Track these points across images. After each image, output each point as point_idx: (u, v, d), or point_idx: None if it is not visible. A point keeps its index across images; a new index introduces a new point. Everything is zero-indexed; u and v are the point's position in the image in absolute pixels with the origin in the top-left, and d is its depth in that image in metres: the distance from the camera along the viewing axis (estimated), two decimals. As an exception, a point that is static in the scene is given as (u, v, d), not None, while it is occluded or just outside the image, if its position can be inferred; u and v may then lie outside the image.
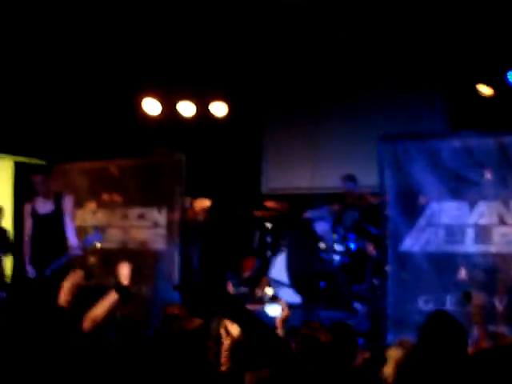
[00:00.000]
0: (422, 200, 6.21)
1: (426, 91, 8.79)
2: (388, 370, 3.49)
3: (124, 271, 3.89)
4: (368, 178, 7.51)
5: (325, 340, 3.38)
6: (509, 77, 7.56)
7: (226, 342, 3.91)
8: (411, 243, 6.19)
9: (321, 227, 7.38)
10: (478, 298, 3.64)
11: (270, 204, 8.56)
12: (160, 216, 7.67)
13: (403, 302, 6.20)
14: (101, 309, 3.69)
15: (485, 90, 7.84)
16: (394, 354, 3.44)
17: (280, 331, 3.94)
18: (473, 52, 7.67)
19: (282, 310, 4.26)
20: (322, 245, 7.44)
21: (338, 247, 7.46)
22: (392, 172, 6.25)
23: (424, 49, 7.89)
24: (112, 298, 3.76)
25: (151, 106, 8.83)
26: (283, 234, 7.98)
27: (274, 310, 3.88)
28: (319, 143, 9.22)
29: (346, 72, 8.59)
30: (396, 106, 8.82)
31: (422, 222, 6.16)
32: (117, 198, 8.00)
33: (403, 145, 6.18)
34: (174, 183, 7.44)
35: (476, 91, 7.85)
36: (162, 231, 7.66)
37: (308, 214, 7.53)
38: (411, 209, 6.22)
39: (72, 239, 6.43)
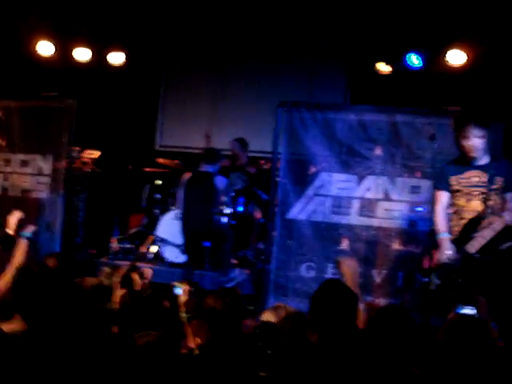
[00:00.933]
0: (312, 170, 6.28)
1: (330, 64, 8.88)
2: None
3: (11, 220, 3.71)
4: (263, 144, 7.52)
5: (213, 305, 3.31)
6: (407, 58, 7.75)
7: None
8: (298, 211, 6.26)
9: (221, 182, 7.28)
10: (349, 265, 3.69)
11: (161, 161, 8.40)
12: (45, 164, 7.31)
13: (286, 268, 6.28)
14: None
15: (383, 67, 8.01)
16: (267, 318, 3.44)
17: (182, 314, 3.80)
18: (377, 31, 7.81)
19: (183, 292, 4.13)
20: (223, 198, 7.35)
21: (226, 209, 7.41)
22: (286, 139, 6.26)
23: (331, 21, 7.95)
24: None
25: (45, 48, 8.38)
26: (173, 192, 7.84)
27: (178, 290, 3.74)
28: (218, 104, 9.14)
29: (250, 35, 8.51)
30: (299, 75, 8.86)
31: (310, 191, 6.23)
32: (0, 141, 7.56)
33: (299, 113, 6.19)
34: (63, 130, 7.08)
35: (375, 69, 8.01)
36: (46, 180, 7.32)
37: (207, 168, 7.39)
38: (301, 177, 6.27)
39: None
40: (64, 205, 7.20)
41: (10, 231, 3.67)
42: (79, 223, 7.73)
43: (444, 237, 4.63)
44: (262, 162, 7.78)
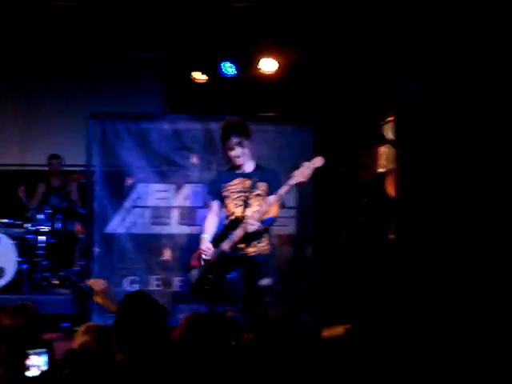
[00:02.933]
0: (128, 181, 6.18)
1: (146, 74, 8.79)
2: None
3: None
4: (78, 157, 7.27)
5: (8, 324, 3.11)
6: (222, 66, 7.88)
7: None
8: (117, 224, 6.14)
9: None
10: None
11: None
12: None
13: (109, 284, 6.11)
14: None
15: (199, 76, 8.08)
16: (78, 340, 3.30)
17: None
18: (192, 40, 7.85)
19: None
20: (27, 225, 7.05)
21: (44, 228, 7.10)
22: (100, 151, 6.11)
23: (146, 30, 7.88)
24: None
25: None
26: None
27: None
28: (28, 118, 8.70)
29: (63, 44, 8.19)
30: (114, 85, 8.69)
31: (128, 203, 6.14)
32: None
33: (113, 124, 6.07)
34: None
35: (192, 77, 8.06)
36: None
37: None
38: (118, 190, 6.16)
39: None
40: None
41: None
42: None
43: (204, 236, 4.89)
44: (76, 175, 7.53)
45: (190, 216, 6.11)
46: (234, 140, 4.75)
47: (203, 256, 4.81)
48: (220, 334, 2.69)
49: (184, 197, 6.12)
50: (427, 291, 5.01)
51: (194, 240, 6.03)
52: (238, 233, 4.69)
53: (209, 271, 4.79)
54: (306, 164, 4.59)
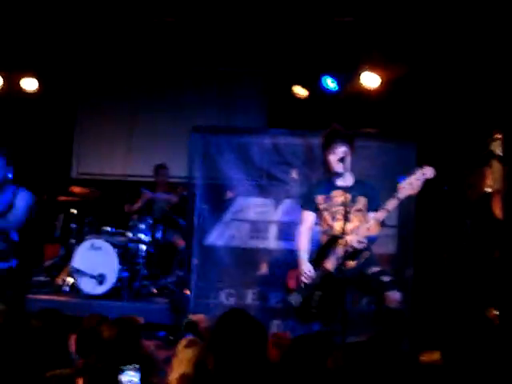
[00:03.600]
0: (229, 194, 6.21)
1: (247, 88, 8.86)
2: (180, 370, 3.34)
3: None
4: (180, 170, 7.40)
5: (108, 336, 3.15)
6: (323, 81, 7.82)
7: None
8: (216, 237, 6.18)
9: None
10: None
11: (76, 189, 8.13)
12: None
13: (205, 295, 6.17)
14: None
15: (300, 91, 8.06)
16: (184, 355, 3.30)
17: None
18: (293, 54, 7.86)
19: None
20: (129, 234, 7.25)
21: (145, 237, 7.26)
22: (202, 164, 6.19)
23: (247, 45, 7.95)
24: None
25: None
26: (89, 222, 7.62)
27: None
28: (134, 130, 8.96)
29: (167, 60, 8.41)
30: (216, 99, 8.81)
31: (227, 216, 6.17)
32: None
33: (214, 138, 6.14)
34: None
35: (292, 92, 8.05)
36: None
37: None
38: (218, 203, 6.21)
39: None
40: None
41: None
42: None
43: (302, 256, 4.71)
44: (179, 188, 7.66)
45: (289, 231, 6.05)
46: (339, 145, 4.62)
47: (303, 279, 4.65)
48: (325, 357, 2.59)
49: (283, 212, 6.09)
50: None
51: (292, 256, 6.02)
52: (340, 250, 4.48)
53: (313, 293, 4.60)
54: (416, 175, 4.33)
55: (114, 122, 9.10)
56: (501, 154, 6.01)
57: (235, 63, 8.44)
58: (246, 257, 6.12)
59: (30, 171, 8.63)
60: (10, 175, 5.28)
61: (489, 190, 6.26)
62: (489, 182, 6.32)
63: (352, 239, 4.43)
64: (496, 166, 6.19)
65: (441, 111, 7.00)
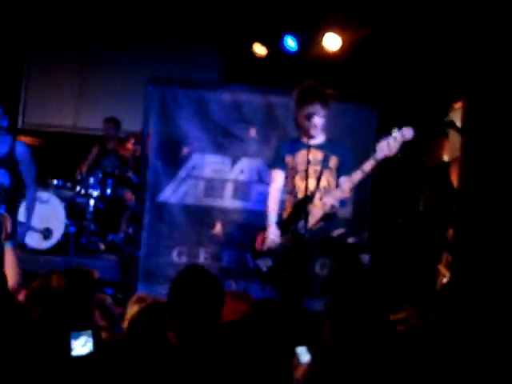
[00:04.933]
0: (185, 151, 6.02)
1: (203, 43, 8.61)
2: (125, 325, 3.22)
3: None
4: (133, 124, 7.15)
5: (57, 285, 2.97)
6: (284, 40, 7.64)
7: None
8: (169, 194, 5.98)
9: None
10: None
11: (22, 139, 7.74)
12: None
13: (157, 253, 6.00)
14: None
15: (259, 49, 7.86)
16: (132, 309, 3.17)
17: None
18: (253, 12, 7.64)
19: None
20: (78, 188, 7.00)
21: (93, 192, 7.02)
22: (158, 118, 5.95)
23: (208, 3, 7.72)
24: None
25: None
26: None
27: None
28: (86, 81, 8.62)
29: (120, 11, 8.08)
30: (170, 52, 8.54)
31: (182, 173, 5.97)
32: None
33: (172, 91, 5.91)
34: None
35: (251, 50, 7.85)
36: None
37: None
38: (174, 158, 6.00)
39: None
40: None
41: None
42: None
43: (271, 220, 4.56)
44: (132, 141, 7.41)
45: (245, 191, 5.92)
46: (315, 103, 4.40)
47: (269, 244, 4.50)
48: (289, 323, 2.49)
49: (239, 170, 5.93)
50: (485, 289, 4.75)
51: (247, 216, 5.90)
52: (316, 213, 4.31)
53: (283, 257, 4.41)
54: (394, 136, 4.14)
55: (66, 69, 8.72)
56: (459, 124, 5.98)
57: (193, 17, 8.19)
58: (199, 215, 5.96)
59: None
60: (4, 123, 5.15)
61: (446, 158, 6.25)
62: (446, 151, 6.31)
63: (327, 201, 4.26)
64: (454, 135, 6.18)
65: (402, 76, 6.92)
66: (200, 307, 2.54)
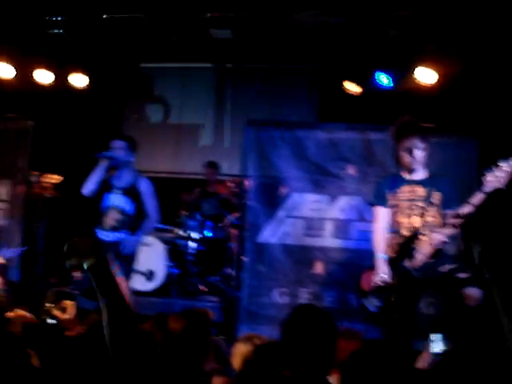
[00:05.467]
0: (283, 191, 6.04)
1: (298, 84, 8.70)
2: (236, 365, 3.22)
3: None
4: (231, 166, 7.28)
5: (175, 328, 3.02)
6: (376, 77, 7.61)
7: None
8: (269, 234, 6.02)
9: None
10: None
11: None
12: (2, 189, 6.97)
13: (258, 294, 6.03)
14: None
15: (352, 87, 7.86)
16: (241, 349, 3.16)
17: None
18: (345, 50, 7.67)
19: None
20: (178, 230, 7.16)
21: (194, 234, 7.15)
22: (255, 160, 6.04)
23: (298, 42, 7.80)
24: None
25: (5, 71, 8.04)
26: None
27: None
28: (183, 126, 8.86)
29: (215, 54, 8.30)
30: (266, 95, 8.67)
31: (281, 213, 6.00)
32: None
33: (269, 132, 5.98)
34: (19, 153, 6.77)
35: (344, 88, 7.86)
36: (4, 206, 6.97)
37: None
38: (272, 199, 6.05)
39: None
40: (23, 232, 6.85)
41: None
42: (39, 251, 7.35)
43: (379, 258, 4.44)
44: (231, 184, 7.52)
45: (345, 229, 5.87)
46: (418, 140, 4.34)
47: (379, 283, 4.38)
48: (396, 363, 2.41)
49: (339, 209, 5.90)
50: None
51: (349, 255, 5.82)
52: (423, 250, 4.21)
53: (391, 297, 4.29)
54: (502, 167, 3.93)
55: (164, 117, 9.02)
56: None
57: (286, 59, 8.30)
58: (300, 255, 5.94)
59: (76, 167, 8.64)
60: (131, 159, 5.68)
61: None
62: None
63: (436, 237, 4.17)
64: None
65: (501, 106, 6.72)
66: (315, 345, 2.52)
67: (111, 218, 5.51)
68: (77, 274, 7.26)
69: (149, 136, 9.17)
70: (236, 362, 3.28)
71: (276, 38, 7.69)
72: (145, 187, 5.63)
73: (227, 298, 6.65)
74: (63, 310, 3.78)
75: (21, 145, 6.77)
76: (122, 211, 5.49)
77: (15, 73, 8.06)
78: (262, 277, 6.03)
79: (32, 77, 8.16)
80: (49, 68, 8.14)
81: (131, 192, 5.53)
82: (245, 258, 6.09)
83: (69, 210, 8.05)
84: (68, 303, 3.81)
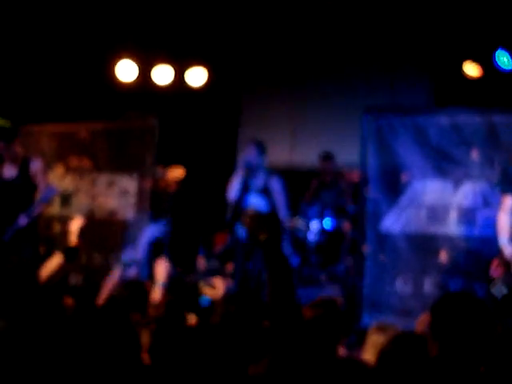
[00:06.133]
0: (404, 178, 5.95)
1: (411, 67, 8.51)
2: (367, 356, 3.21)
3: (72, 228, 3.58)
4: (349, 155, 7.23)
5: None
6: (496, 57, 7.30)
7: None
8: (391, 223, 5.94)
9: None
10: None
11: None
12: (130, 184, 7.32)
13: (381, 283, 5.97)
14: (45, 272, 3.39)
15: (471, 70, 7.59)
16: (374, 339, 3.16)
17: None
18: (460, 31, 7.41)
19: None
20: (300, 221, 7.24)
21: (313, 224, 7.19)
22: (375, 148, 5.96)
23: (411, 23, 7.62)
24: (56, 259, 3.47)
25: (126, 69, 8.42)
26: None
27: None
28: (300, 117, 8.91)
29: (331, 44, 8.27)
30: (380, 81, 8.55)
31: (403, 201, 5.91)
32: (86, 162, 7.63)
33: (388, 119, 5.89)
34: (146, 150, 7.07)
35: (462, 70, 7.60)
36: (132, 200, 7.31)
37: None
38: (393, 187, 5.96)
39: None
40: (149, 225, 7.15)
41: (73, 241, 3.54)
42: (165, 243, 7.64)
43: (504, 243, 4.41)
44: (348, 174, 7.49)
45: (470, 216, 5.69)
46: None
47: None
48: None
49: (463, 195, 5.73)
50: None
51: (474, 243, 5.66)
52: None
53: None
54: None
55: (280, 109, 9.11)
56: None
57: (401, 43, 8.13)
58: (423, 243, 5.82)
59: (198, 161, 8.91)
60: (263, 161, 6.29)
61: None
62: None
63: None
64: None
65: None
66: (471, 335, 2.34)
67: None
68: (201, 264, 7.54)
69: (266, 128, 9.31)
70: (368, 352, 3.28)
71: (390, 21, 7.58)
72: (275, 185, 6.22)
73: (348, 287, 6.65)
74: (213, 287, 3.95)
75: (147, 141, 7.07)
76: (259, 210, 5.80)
77: (137, 72, 8.45)
78: (384, 266, 5.98)
79: (152, 75, 8.51)
80: (168, 65, 8.46)
81: (265, 191, 6.12)
82: (366, 248, 6.05)
83: (193, 203, 8.34)
84: (217, 281, 3.96)
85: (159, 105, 8.36)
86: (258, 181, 6.18)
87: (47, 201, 6.15)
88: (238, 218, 6.01)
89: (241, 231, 6.05)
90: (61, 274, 3.48)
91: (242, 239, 6.09)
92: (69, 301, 3.55)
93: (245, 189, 6.13)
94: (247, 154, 6.29)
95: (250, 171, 6.15)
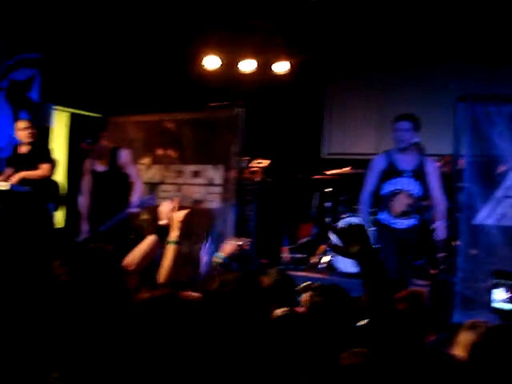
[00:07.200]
0: (500, 169, 5.67)
1: (508, 54, 8.14)
2: (457, 352, 3.07)
3: (163, 210, 3.58)
4: (441, 145, 6.98)
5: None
6: None
7: None
8: (485, 216, 5.68)
9: None
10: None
11: (330, 172, 7.98)
12: (216, 174, 7.34)
13: (474, 278, 5.71)
14: (138, 253, 3.40)
15: None
16: (466, 337, 3.01)
17: None
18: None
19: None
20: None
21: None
22: (469, 137, 5.70)
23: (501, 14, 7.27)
24: (149, 240, 3.48)
25: (211, 61, 8.47)
26: (343, 200, 7.53)
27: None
28: (386, 106, 8.68)
29: (416, 32, 8.00)
30: (475, 69, 8.23)
31: (499, 193, 5.63)
32: (172, 153, 7.72)
33: (483, 107, 5.62)
34: (232, 140, 7.08)
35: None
36: (218, 190, 7.34)
37: None
38: (488, 179, 5.68)
39: (134, 195, 6.14)
40: (235, 215, 7.16)
41: (163, 221, 3.54)
42: (250, 233, 7.65)
43: None
44: (440, 164, 7.24)
45: None
46: None
47: None
48: None
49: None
50: None
51: None
52: None
53: None
54: None
55: (365, 99, 8.95)
56: None
57: (496, 29, 7.77)
58: (520, 237, 5.54)
59: (283, 151, 8.86)
60: (417, 139, 5.54)
61: None
62: None
63: None
64: None
65: None
66: None
67: (401, 204, 5.50)
68: (285, 255, 7.49)
69: (350, 117, 9.16)
70: (458, 349, 3.14)
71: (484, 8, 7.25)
72: (431, 168, 5.53)
73: (436, 283, 6.42)
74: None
75: (233, 132, 7.07)
76: (411, 195, 5.49)
77: (220, 63, 8.48)
78: (477, 260, 5.72)
79: (237, 65, 8.51)
80: (252, 55, 8.44)
81: (419, 174, 5.47)
82: (458, 241, 5.81)
83: (278, 192, 8.31)
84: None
85: (244, 95, 8.36)
86: (411, 162, 5.50)
87: (143, 206, 6.21)
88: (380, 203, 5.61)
89: (385, 216, 5.59)
90: (152, 254, 3.50)
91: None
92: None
93: (394, 172, 5.49)
94: (398, 131, 5.53)
95: (400, 150, 5.50)
